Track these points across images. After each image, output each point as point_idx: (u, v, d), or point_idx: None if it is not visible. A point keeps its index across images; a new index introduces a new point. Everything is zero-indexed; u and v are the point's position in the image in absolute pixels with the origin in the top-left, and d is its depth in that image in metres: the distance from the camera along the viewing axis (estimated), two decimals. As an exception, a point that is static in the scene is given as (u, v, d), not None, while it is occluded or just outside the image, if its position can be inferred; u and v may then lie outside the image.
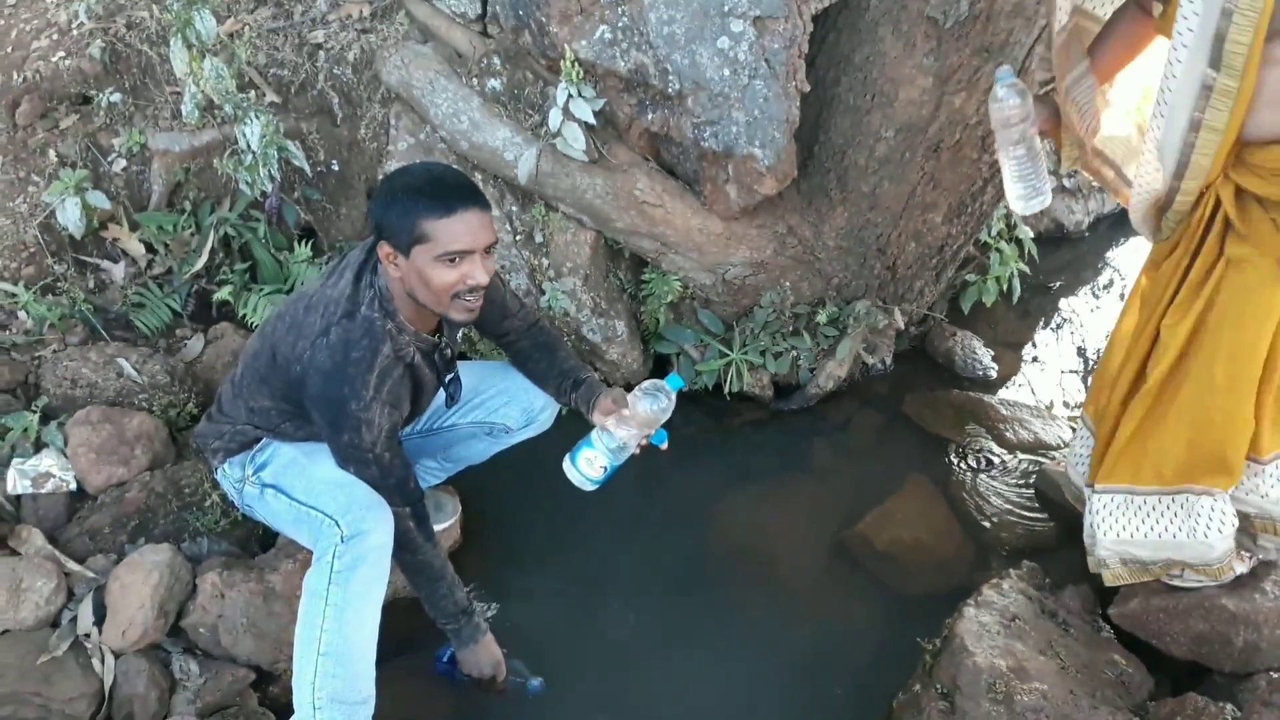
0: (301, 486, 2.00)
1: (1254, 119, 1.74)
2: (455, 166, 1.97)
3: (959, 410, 3.16)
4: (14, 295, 2.84)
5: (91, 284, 3.02)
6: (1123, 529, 2.10)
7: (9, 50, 3.17)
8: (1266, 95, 1.71)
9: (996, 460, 2.94)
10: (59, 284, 2.94)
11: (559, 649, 2.37)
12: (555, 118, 2.77)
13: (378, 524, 1.90)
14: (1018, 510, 2.75)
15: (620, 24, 2.63)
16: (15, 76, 3.19)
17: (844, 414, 3.22)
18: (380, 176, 3.04)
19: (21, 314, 2.84)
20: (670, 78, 2.62)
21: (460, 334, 2.18)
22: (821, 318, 3.13)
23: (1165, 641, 2.13)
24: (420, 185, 1.80)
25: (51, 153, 3.12)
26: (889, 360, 3.34)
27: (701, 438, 3.16)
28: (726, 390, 3.13)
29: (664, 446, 2.07)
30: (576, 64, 2.69)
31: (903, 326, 3.24)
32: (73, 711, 1.98)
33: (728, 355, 3.13)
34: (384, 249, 1.85)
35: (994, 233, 3.48)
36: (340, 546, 1.88)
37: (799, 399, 3.21)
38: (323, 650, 1.83)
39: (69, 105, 3.19)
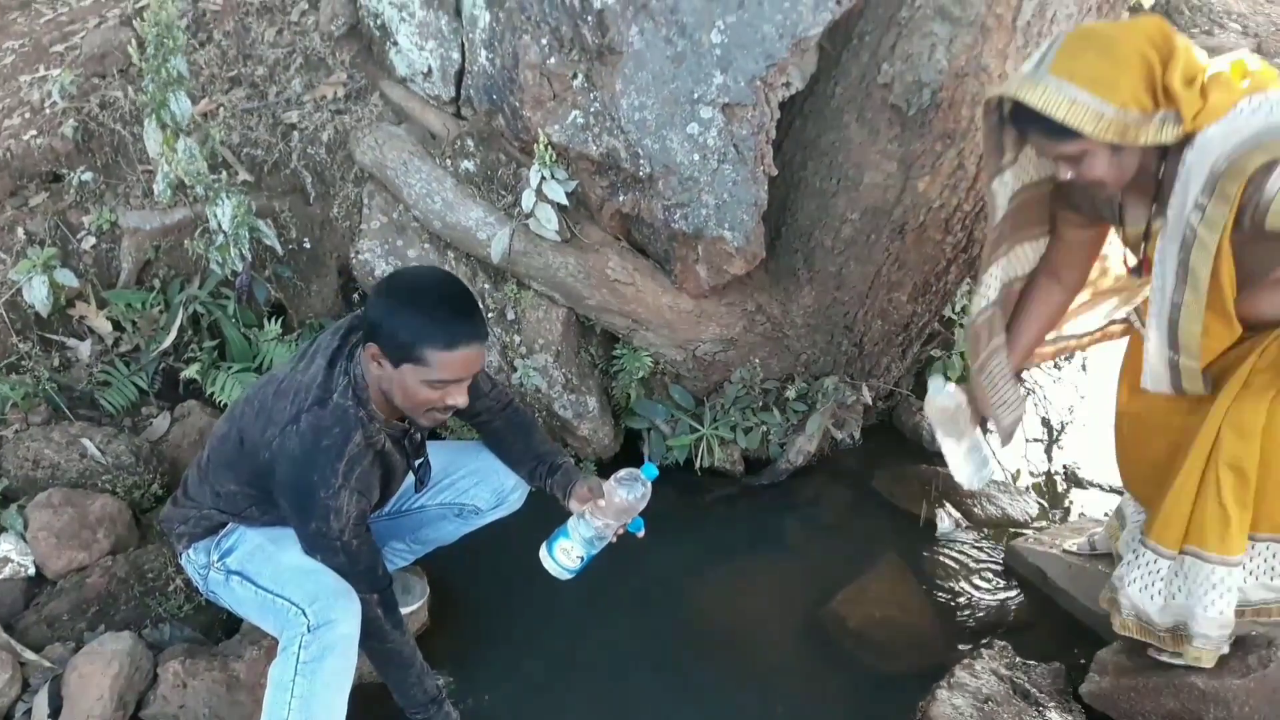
0: (268, 574, 1.98)
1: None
2: (461, 280, 1.97)
3: (925, 483, 3.18)
4: (-23, 375, 2.80)
5: (56, 362, 2.98)
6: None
7: (-20, 129, 3.18)
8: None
9: (960, 522, 2.96)
10: (23, 362, 2.90)
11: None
12: (529, 199, 2.81)
13: (345, 613, 1.88)
14: (987, 587, 2.76)
15: (592, 109, 2.68)
16: (-14, 154, 3.19)
17: (814, 489, 3.23)
18: (353, 254, 3.05)
19: (-16, 393, 2.80)
20: (641, 161, 2.67)
21: None
22: (791, 393, 3.16)
23: (1137, 720, 2.14)
24: (429, 307, 1.79)
25: (20, 230, 3.10)
26: (858, 435, 3.37)
27: (673, 514, 3.13)
28: (698, 465, 3.14)
29: (641, 534, 2.07)
30: (550, 147, 2.73)
31: (870, 402, 3.28)
32: (28, 811, 1.91)
33: (699, 430, 3.14)
34: (372, 349, 1.84)
35: (958, 309, 3.54)
36: (307, 636, 1.85)
37: (770, 474, 3.22)
38: (289, 745, 1.79)
39: (39, 183, 3.19)
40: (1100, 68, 1.60)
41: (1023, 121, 1.69)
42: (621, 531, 2.05)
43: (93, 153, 3.21)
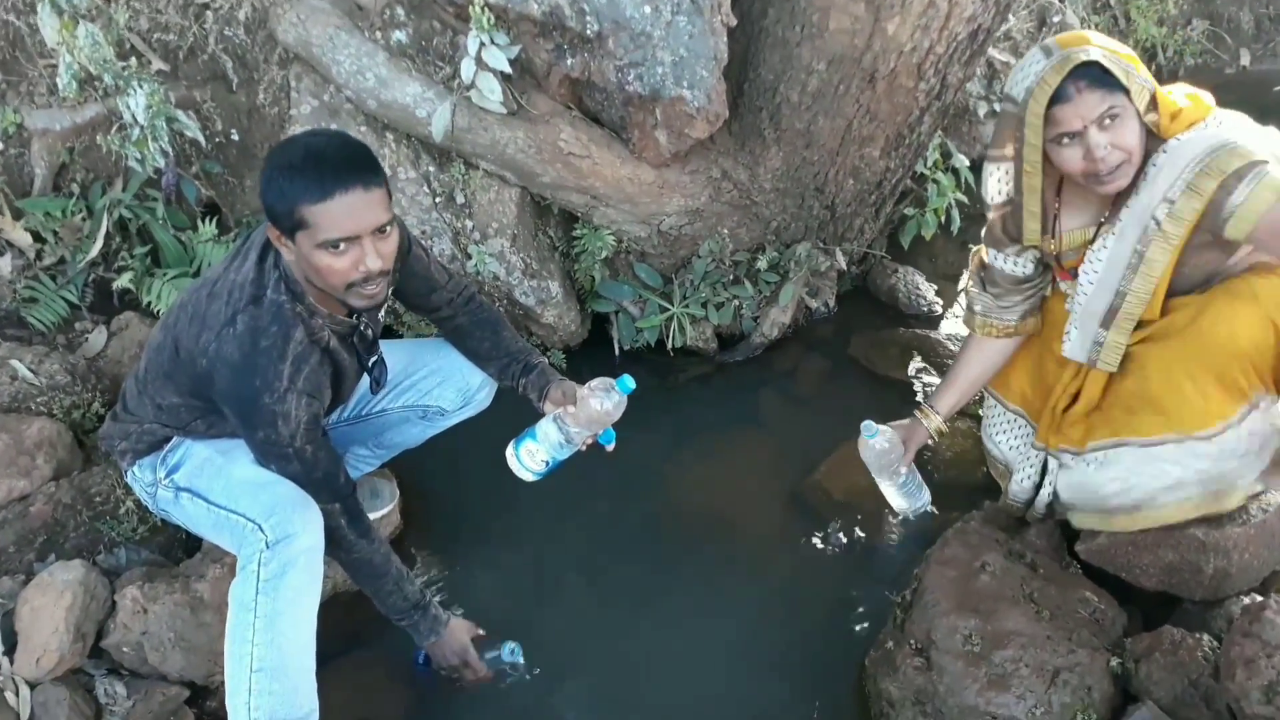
0: (220, 489, 1.84)
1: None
2: (346, 133, 1.79)
3: (905, 349, 3.08)
4: (-113, 299, 2.59)
5: (-25, 281, 2.78)
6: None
7: None
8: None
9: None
10: (-62, 283, 2.70)
11: (515, 627, 2.24)
12: (468, 69, 2.59)
13: (305, 525, 1.75)
14: (973, 449, 2.68)
15: (530, -37, 2.45)
16: None
17: (790, 361, 3.13)
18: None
19: (-102, 319, 2.60)
20: (588, 18, 2.45)
21: (383, 311, 2.02)
22: (762, 264, 3.02)
23: (1135, 574, 2.08)
24: (296, 163, 1.63)
25: (-87, 141, 2.85)
26: (832, 303, 3.25)
27: (647, 397, 3.00)
28: (669, 346, 3.02)
29: (610, 447, 1.99)
30: (486, 9, 2.50)
31: (845, 267, 3.14)
32: (-12, 752, 1.82)
33: (668, 310, 3.00)
34: (271, 230, 1.70)
35: (930, 164, 3.38)
36: (266, 553, 1.73)
37: (744, 349, 3.10)
38: (256, 666, 1.69)
39: (-68, 87, 2.92)
40: (1125, 52, 1.78)
41: (1076, 78, 1.74)
42: (591, 441, 1.97)
43: (-13, 49, 2.93)
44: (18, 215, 2.84)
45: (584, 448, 1.98)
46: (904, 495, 2.35)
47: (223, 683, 1.95)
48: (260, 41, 2.93)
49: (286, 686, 1.72)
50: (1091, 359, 2.02)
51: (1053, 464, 2.20)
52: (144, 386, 1.93)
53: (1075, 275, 2.02)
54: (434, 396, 2.20)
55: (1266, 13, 5.06)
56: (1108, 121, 1.74)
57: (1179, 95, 1.86)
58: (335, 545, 1.85)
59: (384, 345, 2.26)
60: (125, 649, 2.00)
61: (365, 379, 2.00)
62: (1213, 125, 1.81)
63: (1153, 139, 1.82)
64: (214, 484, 1.86)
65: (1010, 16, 3.97)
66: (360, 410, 2.20)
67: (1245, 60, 5.01)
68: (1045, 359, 2.22)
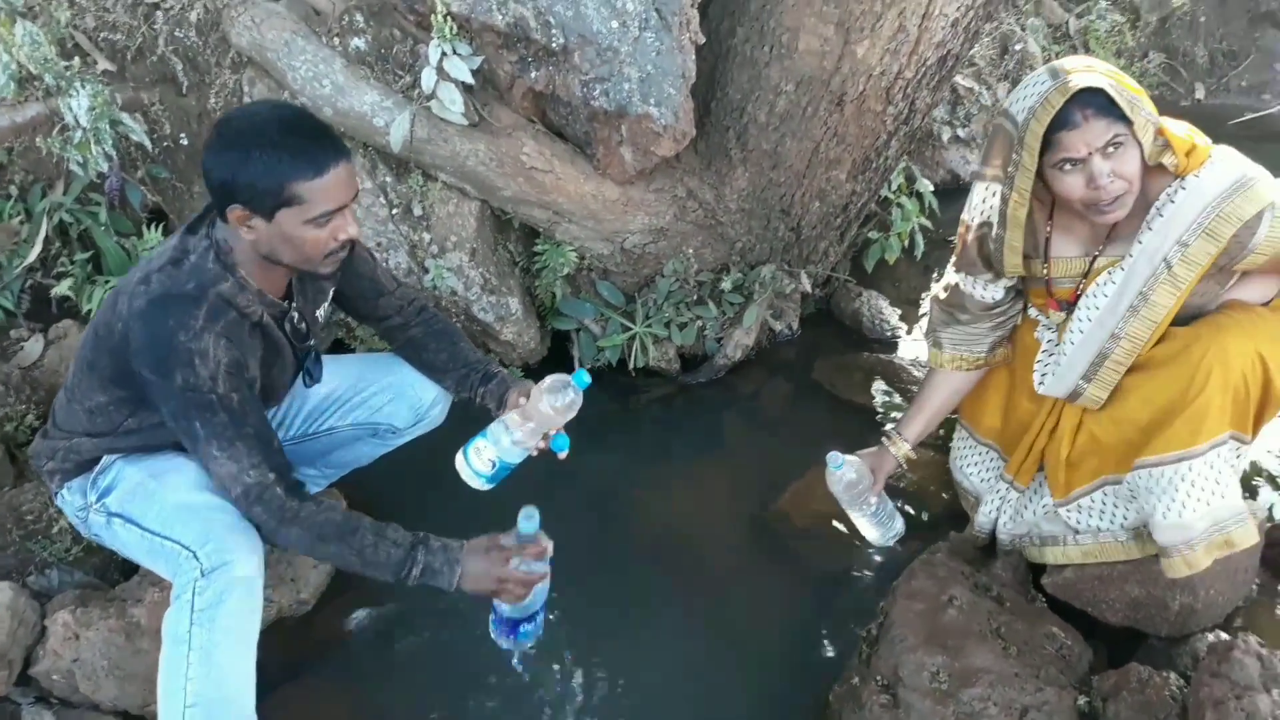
0: (153, 514, 1.74)
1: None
2: (292, 103, 1.75)
3: (868, 373, 3.05)
4: None
5: (-97, 285, 2.64)
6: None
7: None
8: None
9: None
10: None
11: (474, 652, 2.16)
12: (429, 78, 2.51)
13: (243, 552, 1.65)
14: (936, 479, 2.65)
15: (495, -28, 2.38)
16: None
17: (753, 384, 3.08)
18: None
19: None
20: (553, 31, 2.39)
21: (323, 310, 1.94)
22: (726, 285, 2.97)
23: (1101, 609, 2.05)
24: (278, 139, 1.56)
25: None
26: (796, 325, 3.21)
27: (609, 418, 2.98)
28: (631, 366, 2.95)
29: (563, 455, 1.89)
30: (449, 19, 2.44)
31: (809, 290, 3.11)
32: (-101, 790, 1.70)
33: (631, 329, 2.94)
34: (236, 211, 1.61)
35: (894, 187, 3.37)
36: (200, 581, 1.63)
37: (707, 371, 3.05)
38: (190, 702, 1.59)
39: None
40: (1131, 84, 1.73)
41: (1083, 104, 1.69)
42: (544, 445, 1.87)
43: (-78, 43, 2.80)
44: (-49, 218, 2.71)
45: (535, 452, 1.87)
46: (876, 525, 2.28)
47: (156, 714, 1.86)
48: (213, 44, 2.83)
49: (224, 721, 1.61)
50: (1074, 394, 1.97)
51: (1012, 493, 2.17)
52: (72, 393, 1.83)
53: (1064, 307, 1.98)
54: (385, 414, 2.11)
55: (1220, 48, 5.16)
56: (1111, 150, 1.69)
57: (1180, 130, 1.79)
58: (285, 523, 1.66)
59: (334, 360, 2.19)
60: (55, 676, 1.89)
61: (297, 373, 1.91)
62: (1219, 162, 1.76)
63: (1165, 176, 1.77)
64: (147, 509, 1.75)
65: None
66: (308, 428, 2.11)
67: (1200, 94, 5.09)
68: (1016, 391, 2.18)
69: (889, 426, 2.36)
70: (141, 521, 1.76)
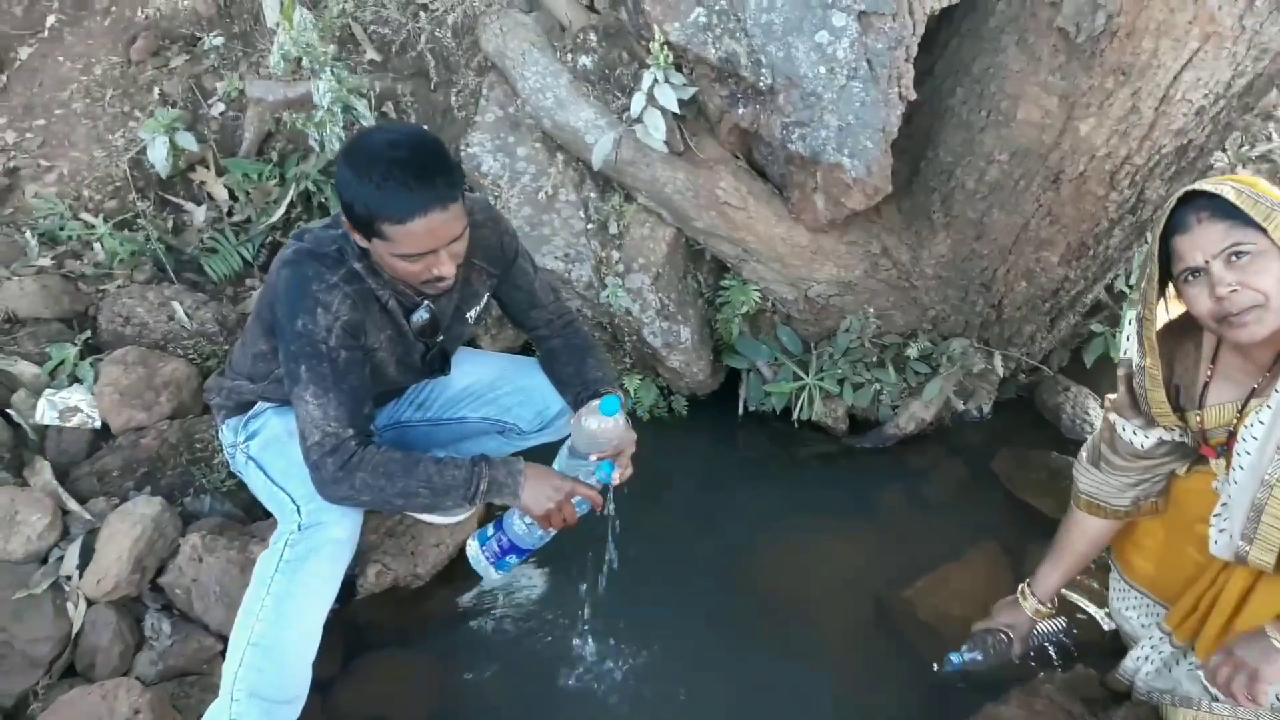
0: (279, 466, 1.90)
1: None
2: (423, 132, 1.75)
3: (1053, 475, 2.78)
4: (93, 227, 2.87)
5: (171, 224, 3.03)
6: None
7: (131, -14, 3.22)
8: None
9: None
10: (138, 220, 2.96)
11: (559, 662, 2.22)
12: (638, 103, 2.58)
13: (340, 517, 1.77)
14: (1083, 611, 2.36)
15: (717, 7, 2.41)
16: (139, 12, 3.25)
17: (924, 461, 2.91)
18: (462, 146, 2.90)
19: (97, 246, 2.87)
20: (763, 70, 2.38)
21: (474, 310, 2.03)
22: (912, 352, 2.83)
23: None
24: (380, 176, 1.59)
25: (157, 90, 3.15)
26: (987, 409, 3.00)
27: (767, 462, 2.92)
28: (795, 416, 2.87)
29: (610, 483, 1.86)
30: (667, 47, 2.49)
31: (1004, 373, 2.90)
32: (33, 653, 1.94)
33: (802, 379, 2.87)
34: (346, 222, 1.71)
35: (1131, 281, 3.06)
36: (295, 534, 1.76)
37: (875, 437, 2.92)
38: (253, 640, 1.70)
39: (181, 45, 3.22)
40: (1272, 189, 1.53)
41: (1198, 208, 1.53)
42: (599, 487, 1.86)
43: (231, 19, 3.21)
44: (221, 172, 3.08)
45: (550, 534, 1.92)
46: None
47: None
48: (465, 46, 3.04)
49: (276, 667, 1.71)
50: (1240, 556, 1.71)
51: (1165, 645, 1.92)
52: (246, 338, 2.02)
53: (1220, 453, 1.74)
54: (512, 414, 2.18)
55: None
56: (1234, 258, 1.50)
57: None
58: (351, 470, 1.71)
59: (481, 355, 2.30)
60: (178, 590, 2.09)
61: (422, 363, 2.00)
62: None
63: None
64: (276, 460, 1.92)
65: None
66: (443, 414, 2.21)
67: None
68: (1181, 542, 1.92)
69: (1027, 580, 2.16)
70: (269, 469, 1.92)
